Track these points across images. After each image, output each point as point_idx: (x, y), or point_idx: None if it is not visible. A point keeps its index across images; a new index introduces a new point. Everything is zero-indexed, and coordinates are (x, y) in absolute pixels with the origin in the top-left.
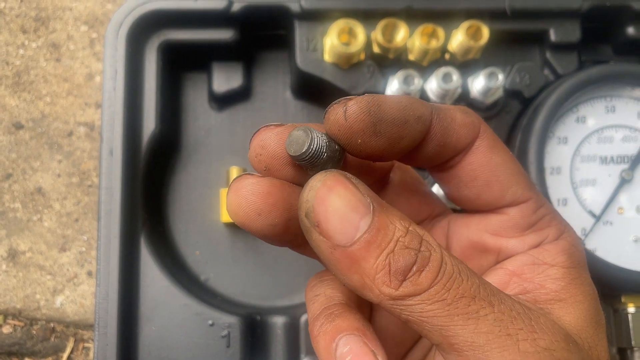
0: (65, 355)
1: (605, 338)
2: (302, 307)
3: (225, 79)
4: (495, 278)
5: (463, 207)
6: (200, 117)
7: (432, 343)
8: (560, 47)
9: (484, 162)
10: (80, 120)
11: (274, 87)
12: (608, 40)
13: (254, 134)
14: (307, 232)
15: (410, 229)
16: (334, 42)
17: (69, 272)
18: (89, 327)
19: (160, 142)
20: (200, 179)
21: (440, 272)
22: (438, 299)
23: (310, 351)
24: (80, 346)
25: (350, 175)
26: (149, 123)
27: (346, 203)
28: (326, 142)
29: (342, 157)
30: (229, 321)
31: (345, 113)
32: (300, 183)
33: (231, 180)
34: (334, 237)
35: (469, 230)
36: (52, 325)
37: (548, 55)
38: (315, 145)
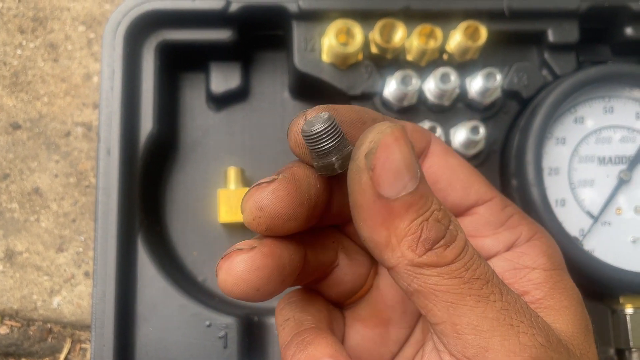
0: (62, 356)
1: (594, 344)
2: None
3: (223, 79)
4: None
5: None
6: (198, 117)
7: (431, 322)
8: (559, 48)
9: (442, 164)
10: (77, 121)
11: (272, 88)
12: (606, 40)
13: (247, 194)
14: (357, 172)
15: (442, 207)
16: (331, 43)
17: (66, 273)
18: (86, 327)
19: (158, 142)
20: (198, 179)
21: (463, 252)
22: (456, 275)
23: None
24: (78, 347)
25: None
26: (147, 123)
27: (404, 159)
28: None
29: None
30: (226, 322)
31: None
32: (301, 229)
33: (229, 182)
34: (383, 186)
35: None
36: (49, 326)
37: (546, 55)
38: (334, 126)
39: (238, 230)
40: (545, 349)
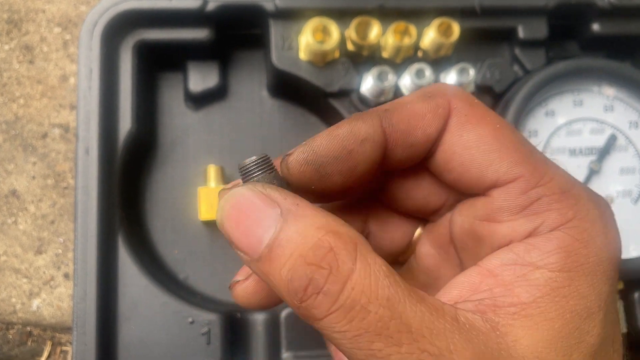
0: (42, 359)
1: None
2: (282, 305)
3: (201, 78)
4: (466, 278)
5: (460, 193)
6: (177, 117)
7: None
8: (528, 44)
9: (456, 141)
10: (54, 122)
11: (250, 86)
12: (574, 36)
13: (232, 292)
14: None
15: (323, 238)
16: (308, 40)
17: (45, 275)
18: (67, 330)
19: (137, 141)
20: (178, 178)
21: (341, 299)
22: (339, 330)
23: (291, 347)
24: (58, 350)
25: (267, 184)
26: (125, 122)
27: (249, 218)
28: (264, 169)
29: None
30: (209, 318)
31: (289, 170)
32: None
33: (209, 179)
34: (245, 252)
35: (462, 218)
36: (28, 329)
37: (517, 51)
38: (252, 165)
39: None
40: None
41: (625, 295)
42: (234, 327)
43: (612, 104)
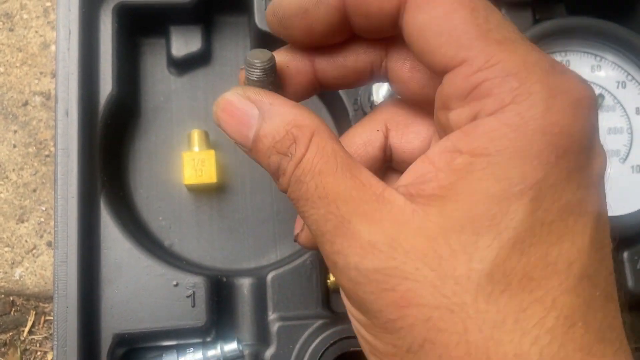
0: (26, 329)
1: (483, 251)
2: (268, 268)
3: (183, 43)
4: (413, 166)
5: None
6: (160, 82)
7: None
8: (515, 5)
9: (412, 24)
10: (35, 90)
11: (234, 51)
12: None
13: (298, 242)
14: None
15: (290, 131)
16: None
17: (28, 244)
18: (50, 299)
19: (118, 105)
20: (161, 144)
21: (293, 177)
22: (292, 198)
23: (277, 308)
24: (42, 319)
25: (247, 87)
26: (106, 85)
27: (236, 120)
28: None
29: (270, 80)
30: (194, 281)
31: (266, 18)
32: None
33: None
34: (241, 145)
35: (435, 109)
36: (11, 298)
37: (504, 12)
38: (253, 68)
39: (204, 193)
40: (342, 255)
41: (614, 254)
42: (220, 291)
43: (599, 64)
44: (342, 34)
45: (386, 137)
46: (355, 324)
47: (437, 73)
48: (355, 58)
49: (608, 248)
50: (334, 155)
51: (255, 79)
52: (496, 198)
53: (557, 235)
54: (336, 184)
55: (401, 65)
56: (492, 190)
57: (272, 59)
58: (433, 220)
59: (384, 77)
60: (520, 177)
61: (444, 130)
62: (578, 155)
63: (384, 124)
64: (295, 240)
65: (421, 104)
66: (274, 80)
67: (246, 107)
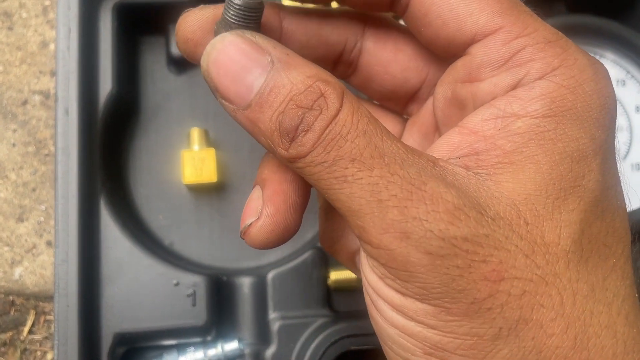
0: (26, 329)
1: (570, 214)
2: (268, 267)
3: None
4: (444, 140)
5: (439, 56)
6: (159, 81)
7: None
8: None
9: None
10: (35, 89)
11: None
12: None
13: (246, 237)
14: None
15: (314, 85)
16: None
17: (28, 243)
18: (50, 299)
19: (118, 103)
20: (161, 142)
21: (325, 133)
22: (319, 162)
23: (278, 307)
24: (42, 319)
25: (255, 33)
26: (106, 84)
27: (238, 65)
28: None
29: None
30: (195, 280)
31: None
32: None
33: (193, 143)
34: (232, 100)
35: (443, 88)
36: (11, 298)
37: None
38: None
39: (204, 192)
40: (420, 222)
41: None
42: (220, 289)
43: None
44: None
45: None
46: (397, 321)
47: (458, 46)
48: (331, 29)
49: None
50: (373, 117)
51: (234, 21)
52: (576, 158)
53: (617, 199)
54: (388, 145)
55: (382, 46)
56: (569, 149)
57: (262, 2)
58: (509, 188)
59: (347, 67)
60: (590, 138)
61: (459, 107)
62: (615, 122)
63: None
64: (243, 234)
65: (389, 95)
66: (256, 29)
67: (255, 52)
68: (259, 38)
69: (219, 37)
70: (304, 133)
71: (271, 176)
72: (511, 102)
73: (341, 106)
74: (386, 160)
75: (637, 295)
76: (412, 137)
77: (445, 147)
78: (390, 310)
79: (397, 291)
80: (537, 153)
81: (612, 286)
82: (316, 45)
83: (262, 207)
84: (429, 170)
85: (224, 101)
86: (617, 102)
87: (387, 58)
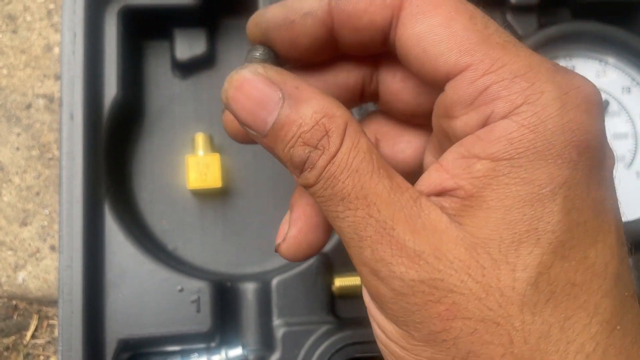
0: (29, 333)
1: (526, 258)
2: (273, 273)
3: (188, 46)
4: (426, 175)
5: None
6: (164, 85)
7: None
8: (520, 10)
9: (408, 35)
10: (39, 93)
11: (239, 54)
12: (566, 3)
13: (279, 252)
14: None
15: (320, 122)
16: None
17: (31, 247)
18: (54, 303)
19: (123, 108)
20: (165, 147)
21: (324, 172)
22: (319, 195)
23: (282, 314)
24: (45, 323)
25: (268, 66)
26: (111, 88)
27: (252, 102)
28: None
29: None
30: (199, 286)
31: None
32: None
33: (197, 148)
34: (253, 130)
35: (435, 118)
36: (14, 302)
37: (509, 17)
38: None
39: (208, 197)
40: (385, 264)
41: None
42: (224, 295)
43: (604, 70)
44: (327, 51)
45: (376, 148)
46: (382, 338)
47: (437, 83)
48: (347, 74)
49: (625, 247)
50: (369, 152)
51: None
52: (529, 201)
53: (591, 235)
54: (374, 184)
55: (392, 77)
56: (522, 193)
57: (272, 51)
58: (469, 231)
59: (373, 96)
60: (548, 178)
61: (447, 139)
62: (595, 152)
63: (373, 135)
64: (276, 251)
65: (412, 116)
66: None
67: (267, 88)
68: (270, 72)
69: (234, 72)
70: (309, 170)
71: (297, 200)
72: (474, 142)
73: (341, 144)
74: (368, 201)
75: (620, 326)
76: (430, 154)
77: (426, 181)
78: (377, 328)
79: (381, 313)
80: (491, 198)
81: (578, 324)
82: (338, 92)
83: (288, 229)
84: (406, 211)
85: (246, 129)
86: (623, 109)
87: (398, 87)
